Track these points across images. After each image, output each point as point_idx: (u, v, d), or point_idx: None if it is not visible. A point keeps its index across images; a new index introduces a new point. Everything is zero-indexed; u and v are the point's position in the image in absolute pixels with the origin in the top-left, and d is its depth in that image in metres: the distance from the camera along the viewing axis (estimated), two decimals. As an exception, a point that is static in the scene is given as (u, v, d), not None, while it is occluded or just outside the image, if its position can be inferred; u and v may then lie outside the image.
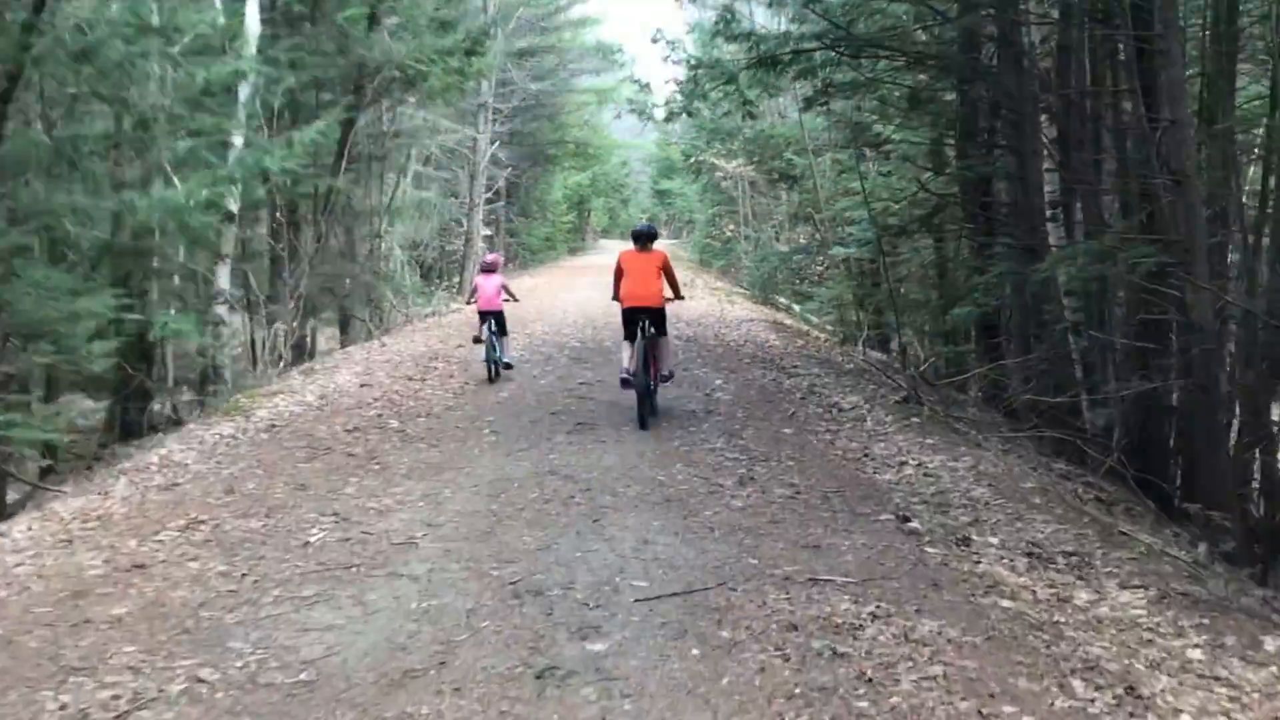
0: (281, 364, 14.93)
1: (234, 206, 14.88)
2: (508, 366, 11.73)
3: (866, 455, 7.70)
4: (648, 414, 8.83)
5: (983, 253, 15.63)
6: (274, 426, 9.17)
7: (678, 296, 9.65)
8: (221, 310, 15.03)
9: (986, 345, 16.01)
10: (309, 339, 20.05)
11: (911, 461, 7.48)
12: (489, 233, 34.24)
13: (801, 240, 33.68)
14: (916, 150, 20.54)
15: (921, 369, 11.72)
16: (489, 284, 11.53)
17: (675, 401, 9.99)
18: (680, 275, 10.42)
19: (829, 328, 23.32)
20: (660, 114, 20.10)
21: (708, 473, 7.11)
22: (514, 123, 35.70)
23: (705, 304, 21.68)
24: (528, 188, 42.14)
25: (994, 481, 6.95)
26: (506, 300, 11.64)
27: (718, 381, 11.14)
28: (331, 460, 7.68)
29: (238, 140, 14.12)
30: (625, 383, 8.96)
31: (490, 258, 12.50)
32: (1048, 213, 12.39)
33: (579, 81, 41.56)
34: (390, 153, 20.78)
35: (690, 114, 17.94)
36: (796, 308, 29.10)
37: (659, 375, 9.12)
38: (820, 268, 32.13)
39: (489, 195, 34.65)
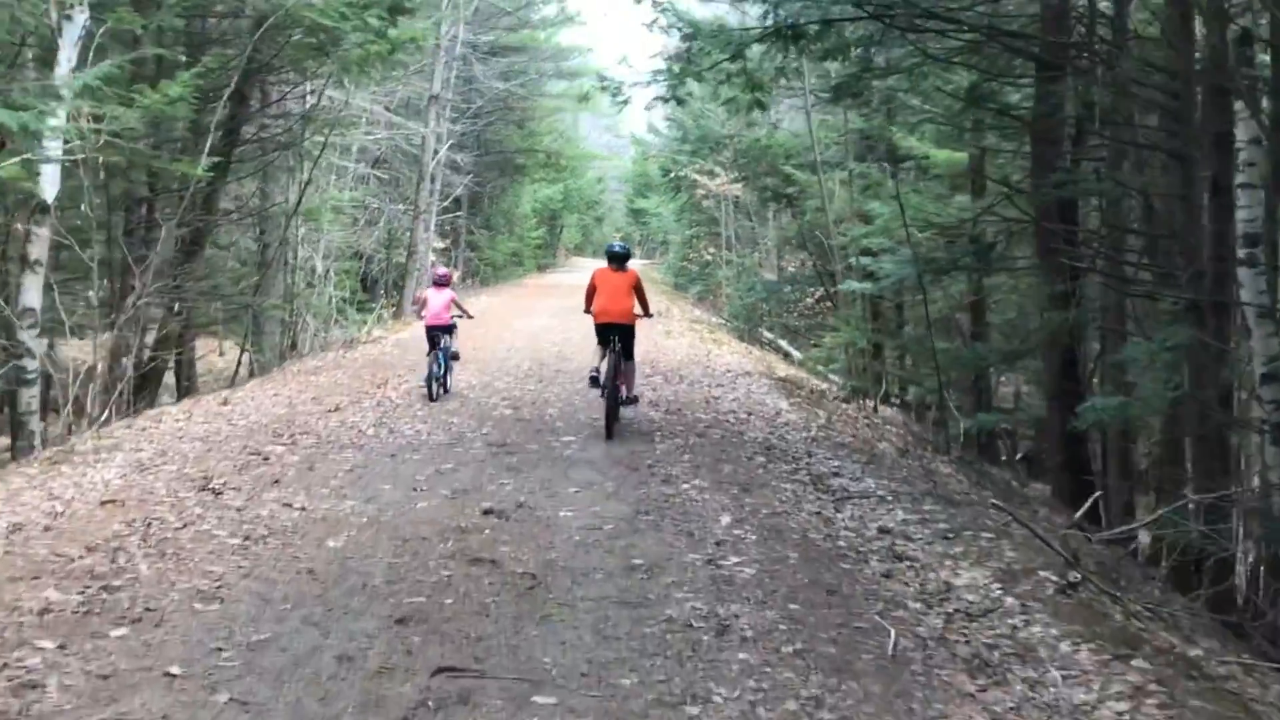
0: (86, 418, 9.84)
1: (48, 195, 10.01)
2: (454, 358, 10.84)
3: None
4: (614, 422, 8.64)
5: (1074, 302, 10.86)
6: None
7: (646, 314, 9.36)
8: (27, 337, 10.10)
9: (1068, 445, 11.17)
10: (175, 375, 14.97)
11: None
12: (443, 245, 29.11)
13: (791, 269, 28.82)
14: (954, 164, 15.85)
15: (1078, 515, 6.68)
16: (438, 298, 10.59)
17: (656, 583, 4.95)
18: (654, 301, 10.27)
19: (832, 376, 18.37)
20: (638, 98, 15.26)
21: None
22: (476, 125, 30.63)
23: (686, 344, 16.69)
24: (493, 198, 37.00)
25: None
26: (458, 316, 10.77)
27: (725, 520, 6.09)
28: None
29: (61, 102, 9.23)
30: (594, 381, 8.81)
31: (442, 271, 11.52)
32: (1241, 253, 7.57)
33: (552, 87, 36.54)
34: (300, 141, 15.64)
35: (679, 101, 12.99)
36: (789, 348, 24.23)
37: (624, 397, 8.89)
38: (810, 300, 27.38)
39: (445, 204, 29.57)
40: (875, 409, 15.52)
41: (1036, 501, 11.77)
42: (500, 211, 38.10)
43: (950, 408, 14.75)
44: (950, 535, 6.07)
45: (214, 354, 19.71)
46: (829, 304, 25.61)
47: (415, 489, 6.57)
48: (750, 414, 10.02)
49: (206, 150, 11.70)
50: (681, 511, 6.24)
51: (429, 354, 10.34)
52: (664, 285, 37.67)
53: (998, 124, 12.99)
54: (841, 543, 5.79)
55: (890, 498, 6.90)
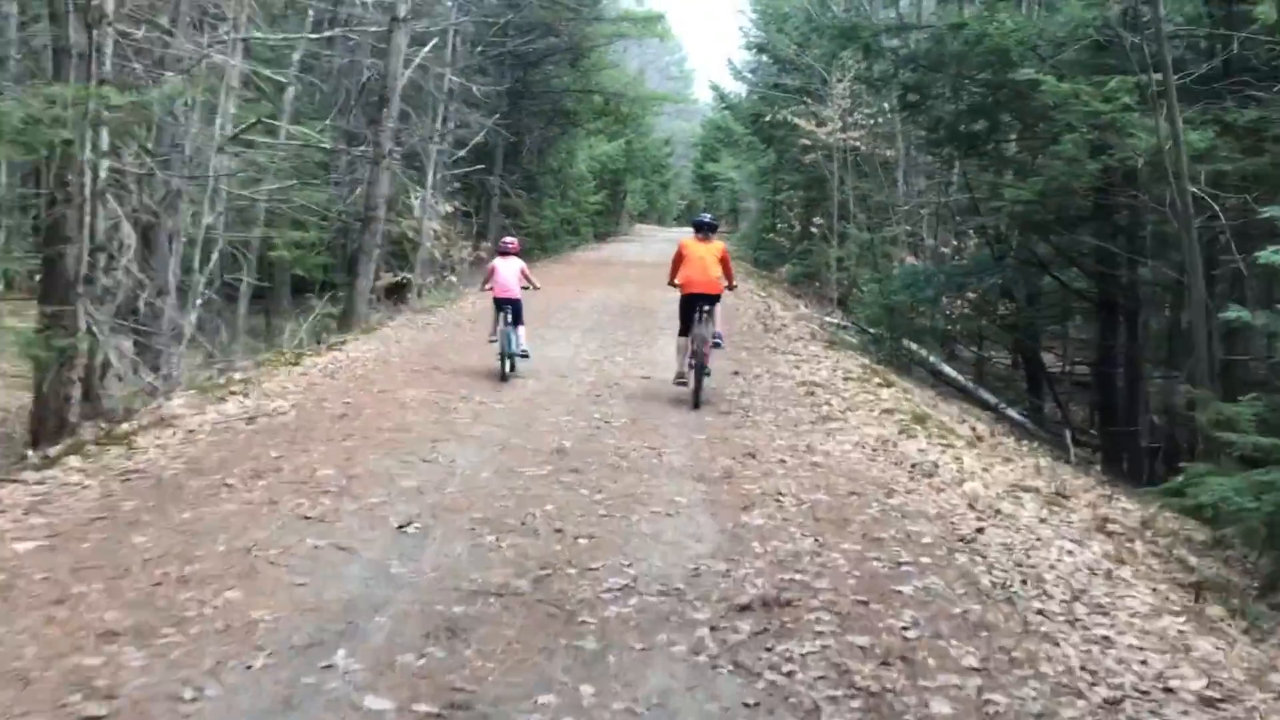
0: None
1: None
2: (524, 355, 8.78)
3: None
4: (700, 391, 7.88)
5: None
6: None
7: (731, 286, 8.45)
8: None
9: None
10: None
11: None
12: (451, 208, 18.93)
13: (944, 250, 18.25)
14: None
15: None
16: (508, 268, 8.85)
17: None
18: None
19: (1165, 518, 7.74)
20: None
21: None
22: (506, 42, 20.36)
23: (874, 441, 6.46)
24: (537, 153, 26.72)
25: None
26: (526, 288, 8.94)
27: None
28: None
29: None
30: (680, 383, 8.14)
31: (509, 240, 9.48)
32: None
33: (609, 10, 26.00)
34: None
35: None
36: (954, 374, 13.85)
37: (710, 345, 7.95)
38: (970, 294, 16.79)
39: (459, 155, 19.45)
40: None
41: None
42: (548, 170, 27.70)
43: None
44: None
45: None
46: (1007, 300, 15.34)
47: None
48: None
49: None
50: None
51: (497, 317, 8.65)
52: (741, 261, 27.10)
53: None
54: None
55: None
